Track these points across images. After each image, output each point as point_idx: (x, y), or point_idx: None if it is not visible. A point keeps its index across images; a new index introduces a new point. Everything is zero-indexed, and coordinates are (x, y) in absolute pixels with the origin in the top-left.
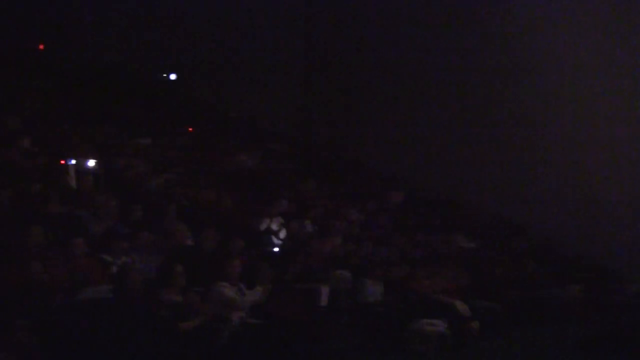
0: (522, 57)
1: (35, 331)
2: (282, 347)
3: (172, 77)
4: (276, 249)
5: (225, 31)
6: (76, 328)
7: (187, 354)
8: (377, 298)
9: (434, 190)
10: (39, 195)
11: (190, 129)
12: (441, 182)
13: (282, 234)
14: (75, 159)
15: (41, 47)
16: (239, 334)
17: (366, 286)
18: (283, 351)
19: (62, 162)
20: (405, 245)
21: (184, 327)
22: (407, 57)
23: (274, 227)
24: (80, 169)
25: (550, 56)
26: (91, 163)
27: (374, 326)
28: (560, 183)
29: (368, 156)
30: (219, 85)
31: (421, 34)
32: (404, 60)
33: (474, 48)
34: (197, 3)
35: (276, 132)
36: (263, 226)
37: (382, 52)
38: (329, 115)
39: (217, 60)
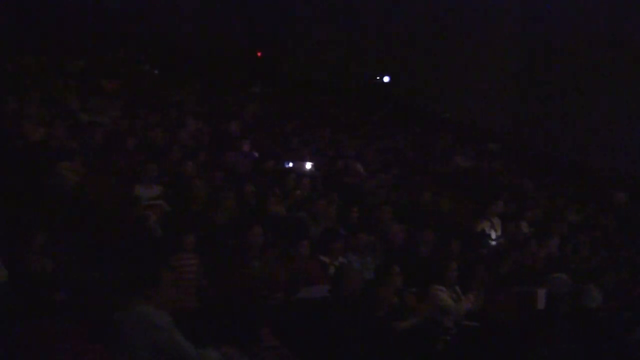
0: None
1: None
2: (498, 351)
3: (386, 79)
4: (493, 251)
5: (438, 33)
6: (294, 326)
7: (402, 354)
8: (598, 303)
9: None
10: (260, 197)
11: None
12: None
13: (499, 235)
14: (293, 162)
15: (259, 54)
16: (454, 336)
17: (586, 291)
18: (499, 355)
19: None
20: (628, 248)
21: (400, 327)
22: (627, 56)
23: (490, 228)
24: (299, 171)
25: None
26: (309, 165)
27: (594, 333)
28: None
29: (590, 155)
30: (434, 87)
31: None
32: (624, 58)
33: None
34: (409, 7)
35: (493, 131)
36: (480, 228)
37: (601, 50)
38: (548, 113)
39: (431, 61)
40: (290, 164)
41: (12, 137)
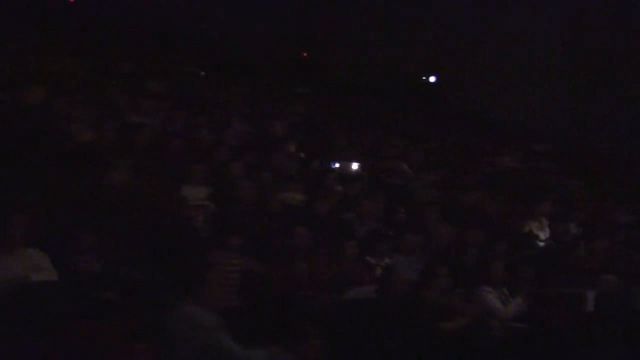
0: None
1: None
2: (546, 354)
3: (432, 79)
4: (540, 252)
5: (484, 32)
6: (341, 327)
7: (448, 355)
8: None
9: None
10: (305, 198)
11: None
12: None
13: (546, 236)
14: (339, 163)
15: (304, 54)
16: (501, 338)
17: (636, 293)
18: (547, 358)
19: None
20: None
21: (446, 328)
22: None
23: (538, 229)
24: (345, 172)
25: None
26: (355, 166)
27: None
28: None
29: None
30: (479, 87)
31: None
32: None
33: None
34: (454, 7)
35: (540, 132)
36: (526, 228)
37: None
38: (595, 113)
39: (476, 61)
40: (337, 165)
41: (61, 138)
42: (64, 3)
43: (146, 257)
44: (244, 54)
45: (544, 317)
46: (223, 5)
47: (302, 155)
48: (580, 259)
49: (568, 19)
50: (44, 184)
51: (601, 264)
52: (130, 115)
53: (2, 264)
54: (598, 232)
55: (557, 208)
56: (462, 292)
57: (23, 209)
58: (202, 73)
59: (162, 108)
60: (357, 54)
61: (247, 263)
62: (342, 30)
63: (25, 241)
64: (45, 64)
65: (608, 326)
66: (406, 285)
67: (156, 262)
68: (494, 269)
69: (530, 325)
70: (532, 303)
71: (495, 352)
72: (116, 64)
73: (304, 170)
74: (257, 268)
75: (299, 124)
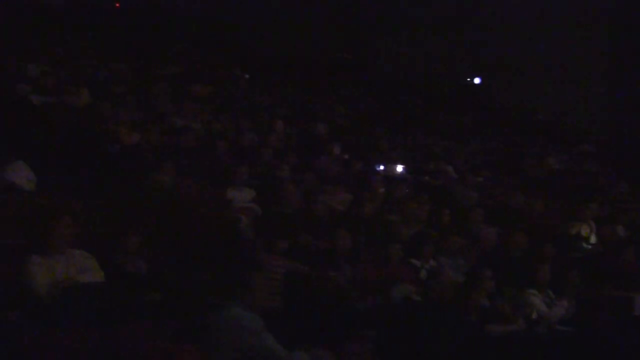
0: None
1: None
2: (592, 357)
3: (476, 81)
4: (587, 255)
5: (528, 33)
6: (386, 329)
7: (494, 357)
8: None
9: None
10: (350, 200)
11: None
12: None
13: (593, 239)
14: (384, 165)
15: (349, 56)
16: (547, 342)
17: None
18: None
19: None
20: None
21: (491, 331)
22: None
23: (584, 231)
24: (390, 174)
25: None
26: (400, 168)
27: None
28: None
29: None
30: (525, 88)
31: None
32: None
33: None
34: (499, 9)
35: (586, 133)
36: (573, 231)
37: None
38: None
39: (521, 62)
40: (382, 167)
41: (107, 141)
42: (110, 8)
43: (192, 258)
44: (288, 56)
45: (591, 320)
46: (266, 8)
47: (347, 157)
48: (627, 262)
49: (613, 18)
50: (91, 186)
51: None
52: (175, 118)
53: (50, 266)
54: None
55: (604, 210)
56: (507, 294)
57: (70, 210)
58: (247, 76)
59: (207, 111)
60: (402, 55)
61: (293, 265)
62: (387, 32)
63: (72, 243)
64: (92, 68)
65: None
66: (451, 287)
67: (201, 264)
68: (540, 272)
69: (576, 329)
70: (579, 306)
71: (541, 355)
72: (161, 67)
73: (348, 172)
74: (302, 270)
75: (343, 126)
